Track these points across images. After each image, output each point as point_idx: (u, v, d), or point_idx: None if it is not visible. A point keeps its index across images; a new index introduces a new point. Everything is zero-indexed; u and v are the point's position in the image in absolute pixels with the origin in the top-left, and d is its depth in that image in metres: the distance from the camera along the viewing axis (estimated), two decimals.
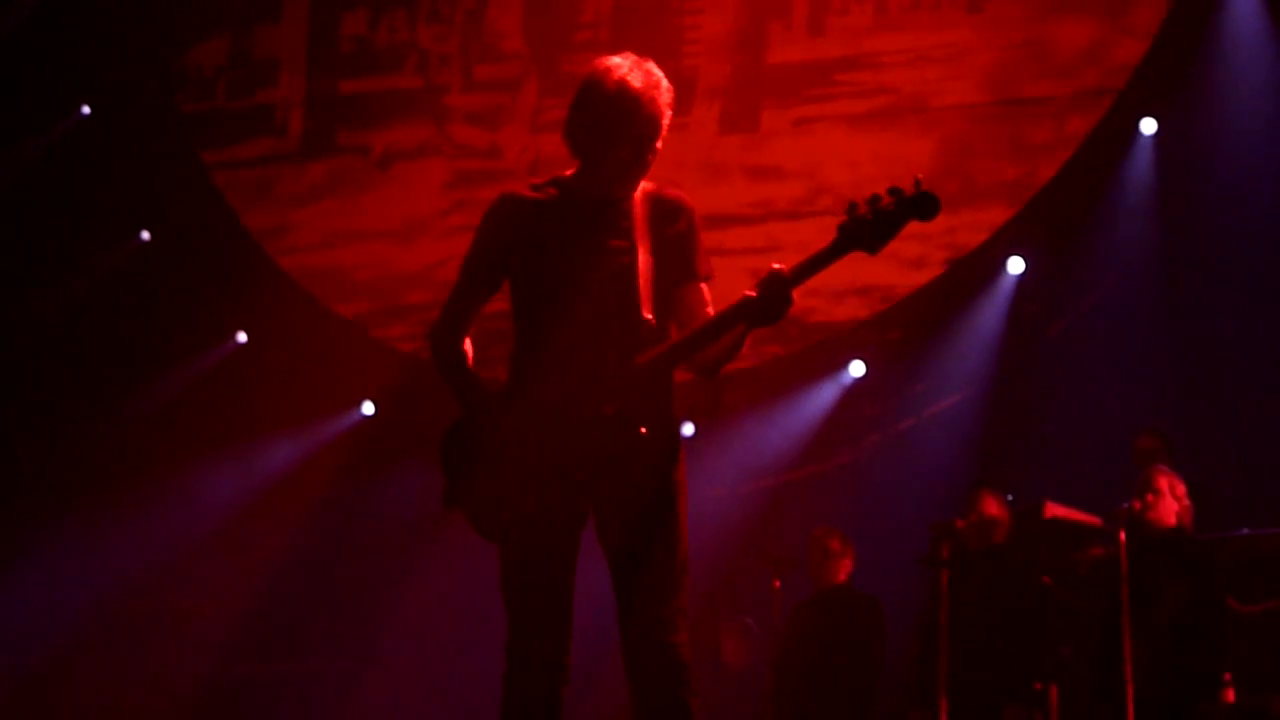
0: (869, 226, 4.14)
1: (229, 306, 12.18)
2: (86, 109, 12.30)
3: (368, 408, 11.96)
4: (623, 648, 4.45)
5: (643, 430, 4.38)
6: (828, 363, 10.77)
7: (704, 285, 4.65)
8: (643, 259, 4.51)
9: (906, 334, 10.69)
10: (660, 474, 4.51)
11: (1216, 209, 9.89)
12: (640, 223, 4.56)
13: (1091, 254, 10.31)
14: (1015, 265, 10.45)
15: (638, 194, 4.62)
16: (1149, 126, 10.24)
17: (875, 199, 4.14)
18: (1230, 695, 7.46)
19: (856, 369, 10.81)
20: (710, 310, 4.56)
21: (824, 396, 10.75)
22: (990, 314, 10.37)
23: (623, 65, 4.51)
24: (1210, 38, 10.11)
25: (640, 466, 4.46)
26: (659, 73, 4.54)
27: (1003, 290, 10.43)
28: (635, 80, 4.47)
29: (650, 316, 4.45)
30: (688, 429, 10.22)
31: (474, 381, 4.64)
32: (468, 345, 4.68)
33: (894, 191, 4.13)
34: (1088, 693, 7.98)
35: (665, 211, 4.62)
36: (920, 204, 4.11)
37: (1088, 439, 9.69)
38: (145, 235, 12.26)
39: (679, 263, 4.61)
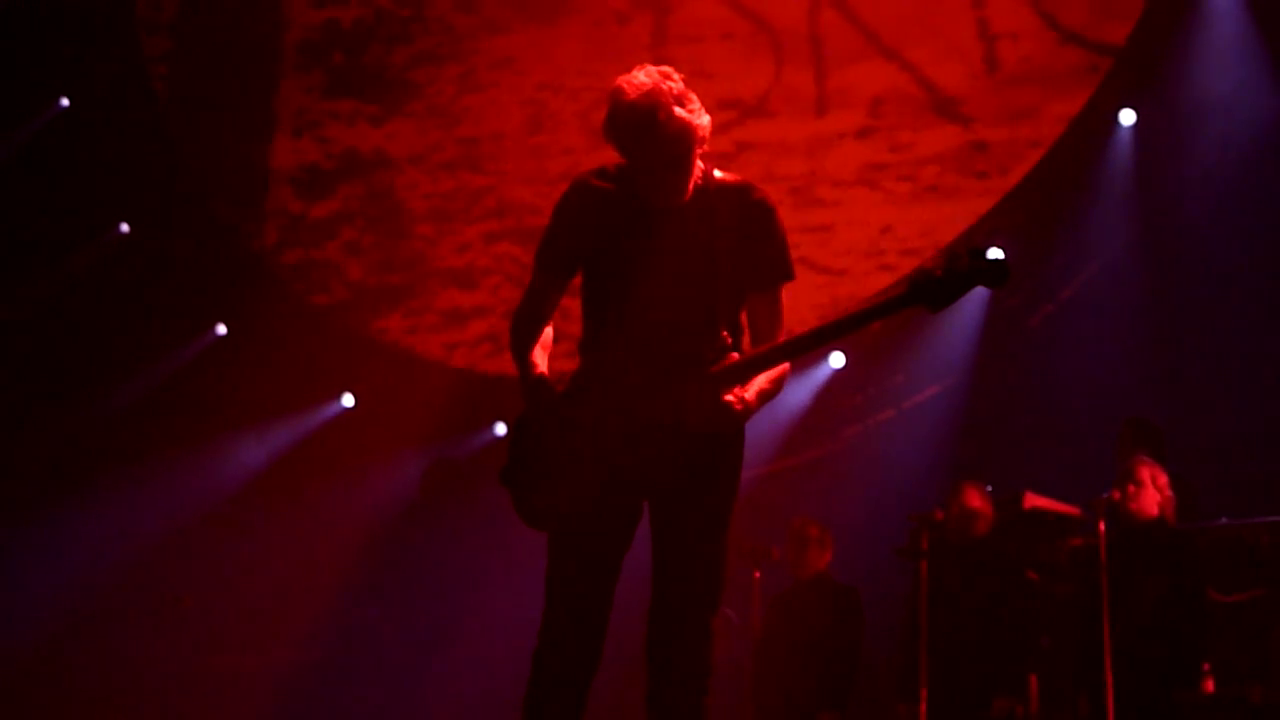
0: (938, 284, 4.11)
1: (209, 298, 12.15)
2: (65, 101, 12.24)
3: (348, 399, 11.95)
4: (652, 635, 4.50)
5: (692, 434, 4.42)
6: (808, 354, 10.73)
7: (780, 290, 4.62)
8: (721, 259, 4.48)
9: (887, 325, 10.67)
10: (723, 472, 4.56)
11: (1195, 199, 9.90)
12: (721, 223, 4.51)
13: (1071, 244, 10.32)
14: (994, 256, 10.43)
15: (717, 189, 4.54)
16: (1128, 117, 10.25)
17: (955, 258, 4.12)
18: (1210, 685, 7.47)
19: (836, 360, 10.81)
20: (782, 317, 4.59)
21: (804, 388, 10.74)
22: (970, 305, 10.36)
23: (627, 94, 4.36)
24: (1189, 29, 10.12)
25: (704, 465, 4.50)
26: (670, 96, 4.36)
27: None
28: (632, 114, 4.34)
29: (725, 331, 4.43)
30: None
31: (535, 371, 4.62)
32: (548, 332, 4.69)
33: (974, 253, 4.12)
34: (1068, 682, 7.99)
35: (750, 213, 4.55)
36: (991, 271, 4.11)
37: (1068, 429, 9.70)
38: (124, 228, 12.22)
39: (762, 267, 4.57)
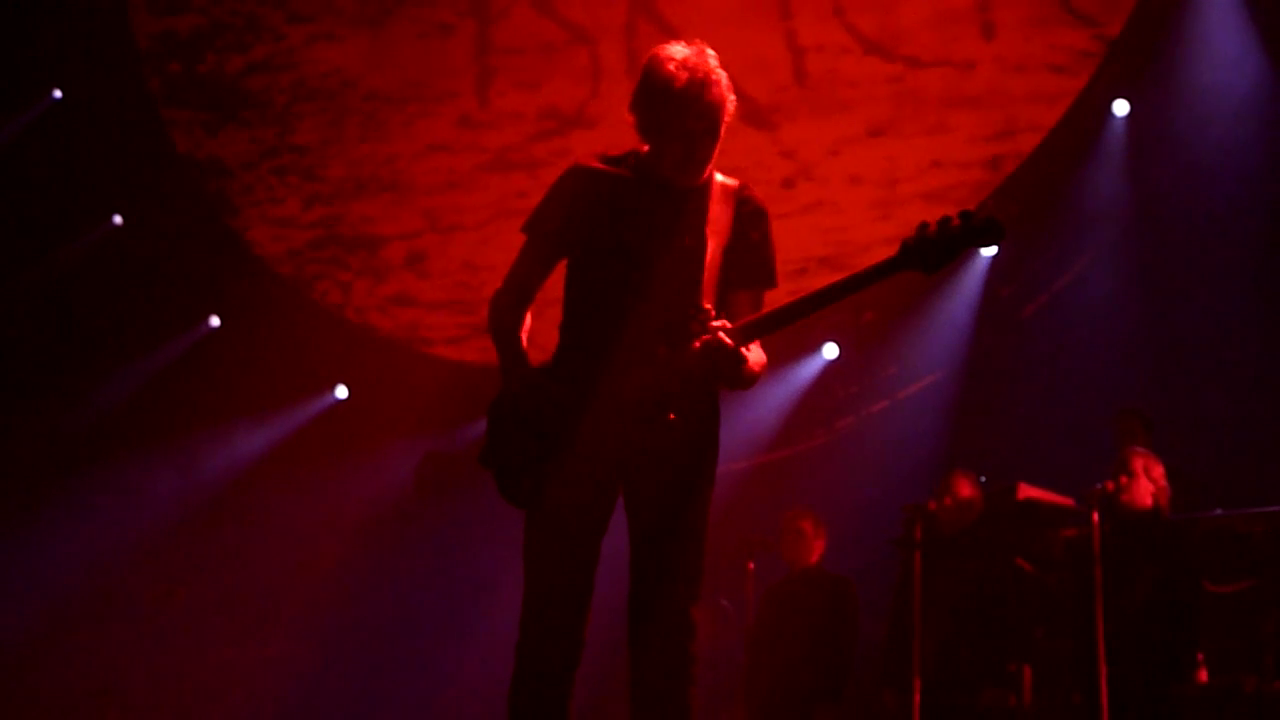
0: (931, 246, 4.11)
1: (202, 289, 12.15)
2: (58, 93, 12.22)
3: (341, 391, 11.95)
4: (634, 625, 4.46)
5: (671, 416, 4.39)
6: (801, 345, 10.76)
7: (761, 295, 4.63)
8: (711, 252, 4.49)
9: (880, 316, 10.69)
10: (700, 458, 4.55)
11: (1188, 190, 9.90)
12: (715, 218, 4.53)
13: (1064, 236, 10.33)
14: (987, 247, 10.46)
15: (717, 187, 4.59)
16: (1121, 108, 10.25)
17: (946, 220, 4.11)
18: (1203, 675, 7.49)
19: (830, 351, 10.81)
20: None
21: (798, 379, 10.74)
22: (963, 296, 10.37)
23: (674, 58, 4.43)
24: (1183, 19, 10.12)
25: (681, 449, 4.49)
26: (713, 63, 4.45)
27: (976, 272, 10.43)
28: (682, 75, 4.39)
29: (710, 308, 4.40)
30: None
31: (519, 353, 4.62)
32: (528, 317, 4.67)
33: (965, 215, 4.10)
34: (1061, 673, 8.00)
35: (745, 214, 4.60)
36: (985, 231, 4.08)
37: (1062, 420, 9.71)
38: (117, 219, 12.20)
39: (748, 267, 4.60)
